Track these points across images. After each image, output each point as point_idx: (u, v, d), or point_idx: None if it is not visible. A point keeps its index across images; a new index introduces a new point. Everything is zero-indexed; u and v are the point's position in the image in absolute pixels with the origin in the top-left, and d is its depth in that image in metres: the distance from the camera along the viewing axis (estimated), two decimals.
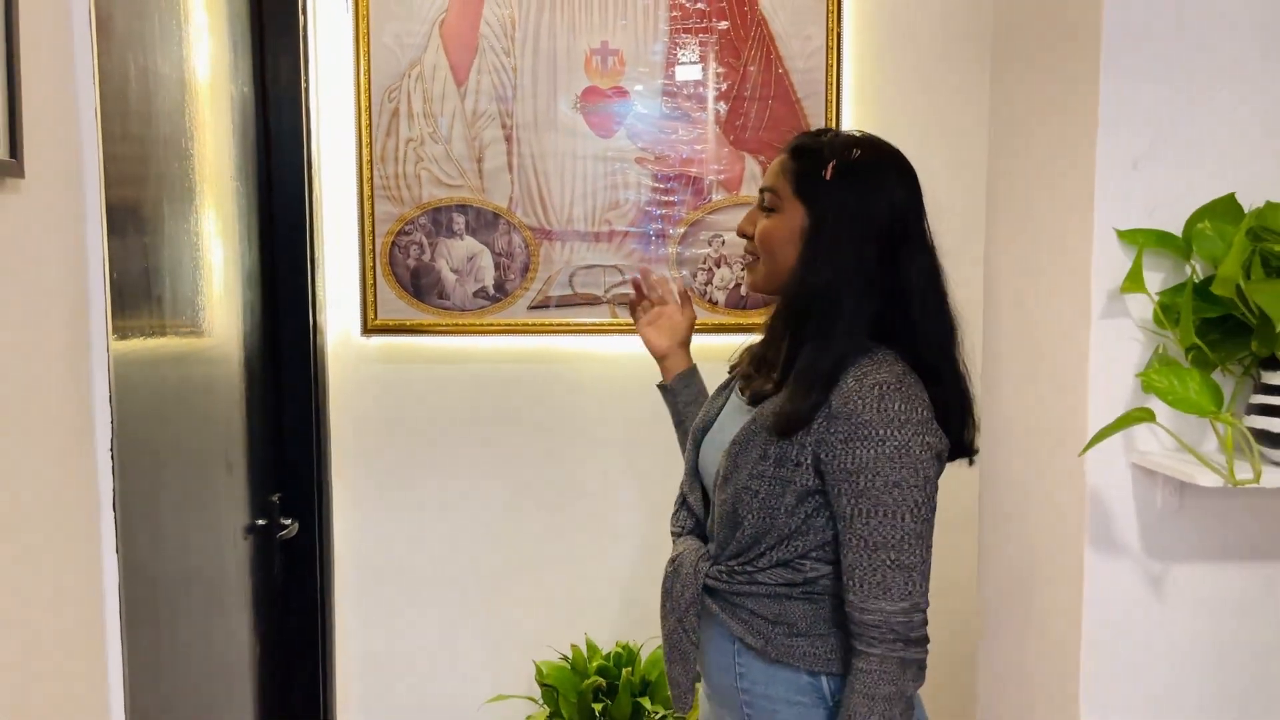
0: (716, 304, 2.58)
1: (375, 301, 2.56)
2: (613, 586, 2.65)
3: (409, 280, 2.57)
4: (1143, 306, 1.52)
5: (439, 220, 2.55)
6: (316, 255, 2.40)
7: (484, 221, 2.56)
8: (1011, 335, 1.82)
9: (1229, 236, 1.43)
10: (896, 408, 1.33)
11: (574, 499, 2.64)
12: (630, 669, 2.43)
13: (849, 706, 1.34)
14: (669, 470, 1.87)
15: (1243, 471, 1.39)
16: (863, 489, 1.33)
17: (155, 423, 1.66)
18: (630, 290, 1.83)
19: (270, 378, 2.28)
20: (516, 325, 2.57)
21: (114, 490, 1.41)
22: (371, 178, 2.53)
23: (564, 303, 2.58)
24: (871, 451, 1.32)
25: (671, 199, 2.56)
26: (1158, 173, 1.51)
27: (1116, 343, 1.53)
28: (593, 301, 2.58)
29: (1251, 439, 1.41)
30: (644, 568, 2.64)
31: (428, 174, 2.54)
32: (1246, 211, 1.45)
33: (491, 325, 2.58)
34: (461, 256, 2.57)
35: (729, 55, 2.54)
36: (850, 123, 2.54)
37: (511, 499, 2.63)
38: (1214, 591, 1.57)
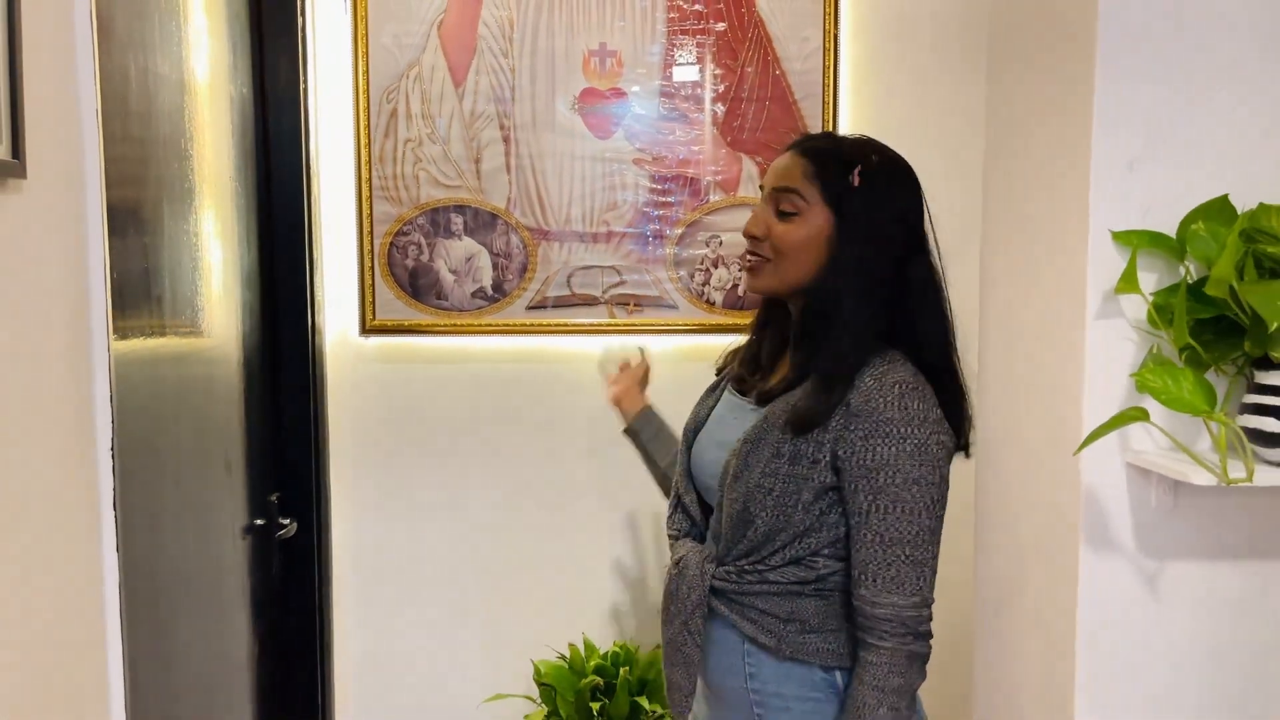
0: (714, 305, 2.59)
1: (374, 302, 2.57)
2: (611, 586, 2.66)
3: (407, 280, 2.57)
4: (1137, 307, 1.53)
5: (437, 221, 2.56)
6: (315, 256, 2.40)
7: (482, 222, 2.56)
8: (1007, 335, 1.83)
9: (1222, 238, 1.44)
10: (916, 406, 1.35)
11: (572, 499, 2.64)
12: (628, 668, 2.43)
13: (858, 698, 1.36)
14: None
15: (1236, 470, 1.40)
16: (881, 485, 1.35)
17: (155, 423, 1.66)
18: (631, 362, 1.93)
19: (269, 378, 2.29)
20: (514, 325, 2.58)
21: (114, 490, 1.41)
22: (370, 178, 2.54)
23: (562, 303, 2.59)
24: (892, 449, 1.34)
25: (669, 200, 2.56)
26: (1154, 173, 1.52)
27: (1111, 343, 1.54)
28: (590, 302, 2.58)
29: (1245, 438, 1.42)
30: (642, 568, 2.65)
31: (426, 174, 2.55)
32: (1240, 213, 1.46)
33: (489, 325, 2.58)
34: (460, 257, 2.57)
35: (726, 56, 2.54)
36: (847, 124, 2.54)
37: (509, 499, 2.64)
38: (1209, 590, 1.58)
